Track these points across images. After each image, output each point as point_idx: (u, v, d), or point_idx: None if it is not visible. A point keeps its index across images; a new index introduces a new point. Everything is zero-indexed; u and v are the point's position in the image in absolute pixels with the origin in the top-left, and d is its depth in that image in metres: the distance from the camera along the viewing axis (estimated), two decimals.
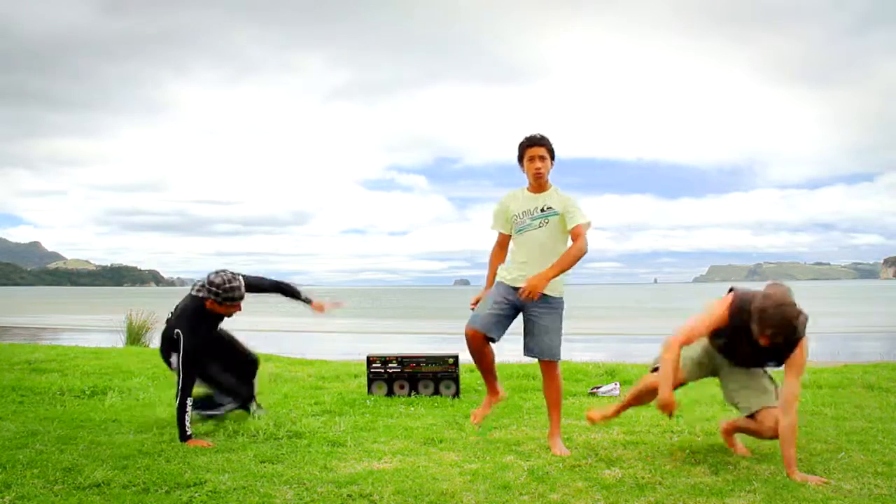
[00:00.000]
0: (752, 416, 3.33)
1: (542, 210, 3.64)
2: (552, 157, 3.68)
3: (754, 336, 3.09)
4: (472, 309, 3.69)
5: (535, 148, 3.63)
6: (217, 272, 3.96)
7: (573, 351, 11.22)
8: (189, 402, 3.76)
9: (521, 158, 3.68)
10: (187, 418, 3.72)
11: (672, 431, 3.97)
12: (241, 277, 4.00)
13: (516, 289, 3.56)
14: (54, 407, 4.72)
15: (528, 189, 3.74)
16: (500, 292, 3.62)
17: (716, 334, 3.34)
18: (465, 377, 5.64)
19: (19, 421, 4.20)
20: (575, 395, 5.34)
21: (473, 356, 3.65)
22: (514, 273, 3.64)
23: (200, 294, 3.94)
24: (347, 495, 2.82)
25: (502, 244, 3.87)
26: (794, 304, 3.03)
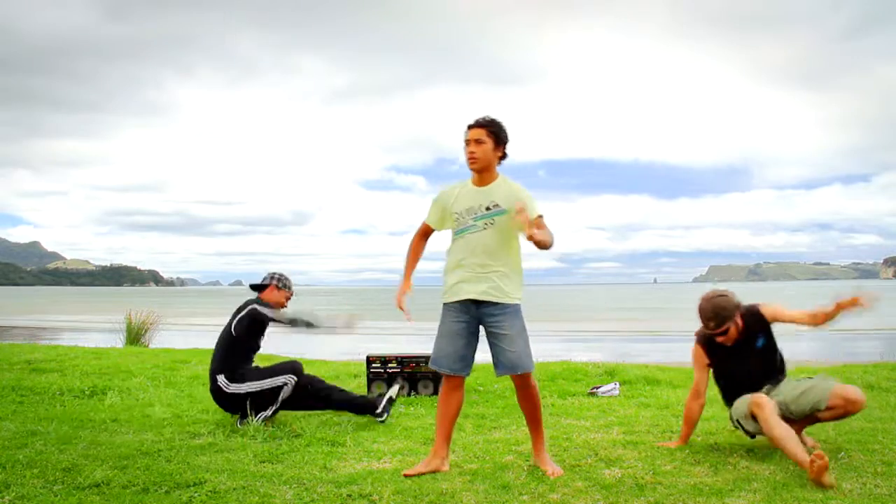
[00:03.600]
0: (830, 408, 3.37)
1: (488, 209, 3.15)
2: (498, 143, 3.18)
3: (715, 340, 3.55)
4: (400, 308, 3.27)
5: (471, 130, 3.16)
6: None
7: (573, 351, 11.22)
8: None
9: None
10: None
11: (672, 431, 3.97)
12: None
13: (463, 303, 3.15)
14: (54, 407, 4.72)
15: (471, 181, 3.25)
16: (449, 319, 3.20)
17: (716, 378, 3.69)
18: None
19: (19, 421, 4.20)
20: (574, 395, 5.34)
21: (439, 402, 3.28)
22: (455, 286, 3.18)
23: (264, 282, 4.51)
24: (347, 495, 2.82)
25: (425, 234, 3.40)
26: (723, 294, 3.52)
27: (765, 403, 3.32)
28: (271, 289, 4.50)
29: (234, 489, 2.89)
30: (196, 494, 2.83)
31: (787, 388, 3.53)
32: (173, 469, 3.15)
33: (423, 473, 3.11)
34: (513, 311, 3.16)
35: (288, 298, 4.58)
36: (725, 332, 3.51)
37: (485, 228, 3.15)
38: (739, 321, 3.53)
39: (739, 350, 3.58)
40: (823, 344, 14.41)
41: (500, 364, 3.15)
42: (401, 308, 3.29)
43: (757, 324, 3.58)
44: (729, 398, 3.67)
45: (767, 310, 3.59)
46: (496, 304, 3.13)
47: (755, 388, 3.54)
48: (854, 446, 3.55)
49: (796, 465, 3.19)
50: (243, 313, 4.28)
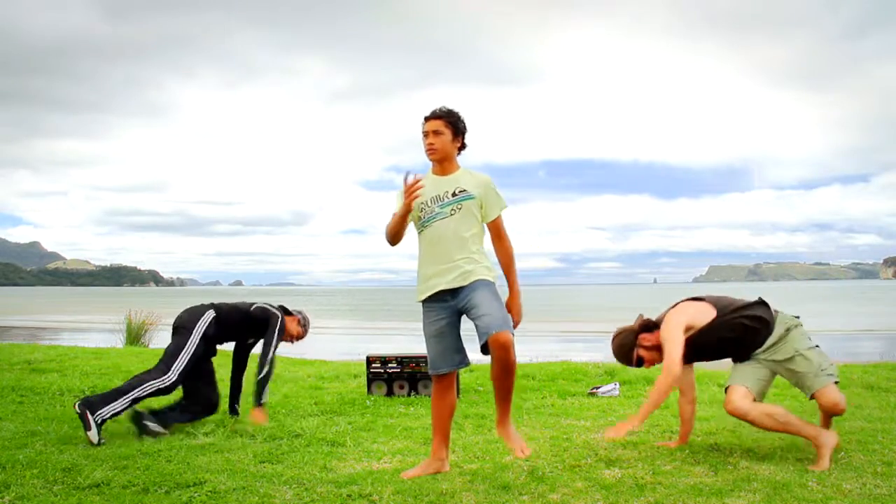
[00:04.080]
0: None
1: (454, 194, 3.08)
2: (457, 134, 3.15)
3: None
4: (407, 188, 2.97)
5: (428, 122, 3.14)
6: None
7: (573, 351, 11.22)
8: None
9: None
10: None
11: (672, 431, 3.97)
12: None
13: (438, 296, 3.07)
14: (54, 407, 4.72)
15: (432, 172, 3.20)
16: (430, 319, 3.12)
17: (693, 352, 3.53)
18: (464, 377, 5.64)
19: (19, 421, 4.20)
20: (574, 395, 5.34)
21: (433, 403, 3.24)
22: (426, 281, 3.10)
23: (292, 314, 4.50)
24: (347, 495, 2.82)
25: (401, 215, 3.11)
26: (617, 335, 3.67)
27: (735, 406, 3.32)
28: (296, 320, 4.48)
29: (234, 489, 2.88)
30: (196, 494, 2.83)
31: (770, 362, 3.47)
32: (173, 469, 3.15)
33: (422, 475, 3.09)
34: (483, 284, 3.02)
35: (299, 338, 4.54)
36: (642, 363, 3.56)
37: (452, 214, 3.07)
38: (650, 336, 3.54)
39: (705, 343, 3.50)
40: (824, 344, 14.39)
41: (478, 332, 2.94)
42: (407, 184, 2.98)
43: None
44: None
45: (663, 328, 3.52)
46: (466, 286, 3.04)
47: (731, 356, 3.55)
48: (854, 446, 3.55)
49: (796, 465, 3.19)
50: (276, 327, 4.30)
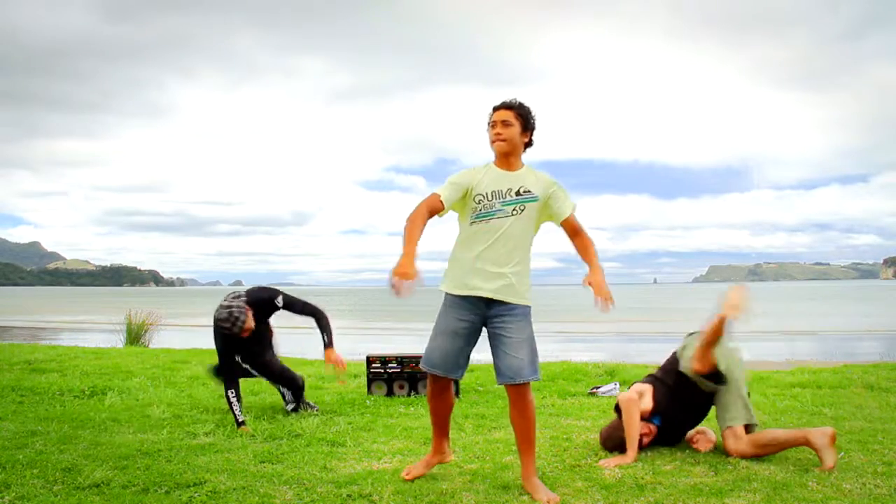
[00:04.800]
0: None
1: (519, 193, 2.87)
2: (525, 128, 2.92)
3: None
4: (393, 284, 2.54)
5: (498, 112, 2.91)
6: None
7: (573, 351, 11.23)
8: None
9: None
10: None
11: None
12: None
13: (474, 299, 2.86)
14: (54, 407, 4.72)
15: (495, 165, 2.96)
16: (452, 316, 2.90)
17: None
18: (464, 377, 5.64)
19: (19, 421, 4.20)
20: (574, 395, 5.34)
21: (430, 402, 3.08)
22: (468, 278, 2.86)
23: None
24: (347, 495, 2.82)
25: (432, 209, 2.82)
26: (608, 430, 3.58)
27: (734, 452, 3.38)
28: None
29: (234, 489, 2.89)
30: (196, 494, 2.83)
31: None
32: (173, 469, 3.15)
33: (423, 475, 3.04)
34: (523, 313, 2.87)
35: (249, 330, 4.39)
36: (640, 443, 3.51)
37: (512, 215, 2.84)
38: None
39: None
40: (823, 344, 14.41)
41: (501, 371, 2.85)
42: (398, 289, 2.55)
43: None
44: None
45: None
46: (507, 303, 2.84)
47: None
48: (854, 446, 3.55)
49: (796, 465, 3.20)
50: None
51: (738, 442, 3.38)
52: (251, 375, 4.54)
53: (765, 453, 3.35)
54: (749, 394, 3.58)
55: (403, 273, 2.56)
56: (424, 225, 2.79)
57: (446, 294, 2.94)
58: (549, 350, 11.27)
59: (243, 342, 4.30)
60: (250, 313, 4.21)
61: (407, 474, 3.04)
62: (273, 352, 4.63)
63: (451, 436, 3.85)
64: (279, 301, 4.37)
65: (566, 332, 19.67)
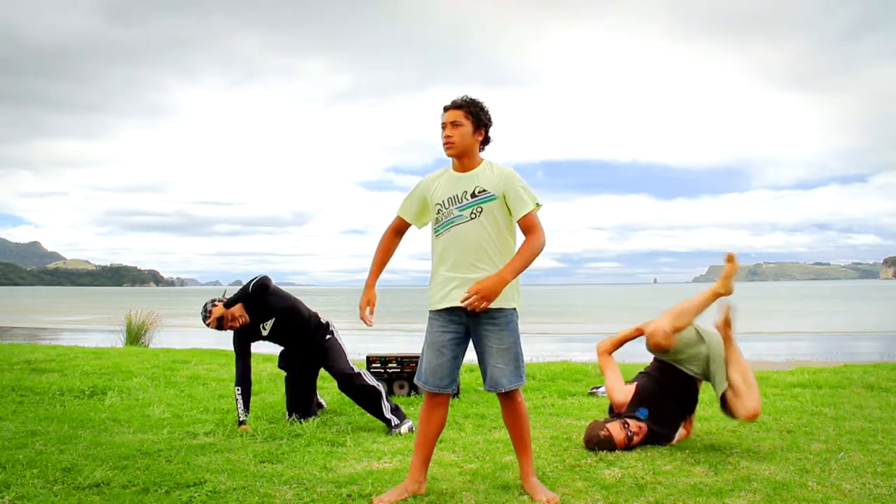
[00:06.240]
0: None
1: (473, 195, 2.75)
2: (478, 126, 2.79)
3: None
4: (361, 318, 2.87)
5: (447, 112, 2.79)
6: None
7: (573, 351, 11.22)
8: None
9: None
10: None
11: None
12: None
13: (453, 310, 2.77)
14: (54, 407, 4.72)
15: (452, 168, 2.85)
16: (436, 329, 2.82)
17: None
18: (464, 377, 5.65)
19: (19, 421, 4.20)
20: (574, 395, 5.34)
21: (420, 418, 2.90)
22: (442, 290, 2.78)
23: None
24: (347, 495, 2.82)
25: (398, 230, 2.97)
26: (589, 438, 3.59)
27: (751, 414, 3.50)
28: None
29: (234, 489, 2.89)
30: (196, 494, 2.83)
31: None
32: (173, 469, 3.15)
33: (396, 502, 2.75)
34: (506, 319, 2.76)
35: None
36: (629, 442, 3.55)
37: (472, 218, 2.73)
38: (618, 427, 3.58)
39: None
40: (823, 344, 14.41)
41: (485, 379, 2.83)
42: (364, 320, 2.87)
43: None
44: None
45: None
46: (489, 309, 2.71)
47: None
48: (854, 446, 3.55)
49: (796, 465, 3.20)
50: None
51: (730, 391, 3.54)
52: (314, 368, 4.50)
53: (682, 324, 3.62)
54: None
55: (361, 306, 2.90)
56: (391, 247, 3.01)
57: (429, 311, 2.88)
58: (549, 350, 11.26)
59: (275, 337, 4.35)
60: (238, 308, 4.10)
61: (379, 501, 2.73)
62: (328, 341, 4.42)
63: (450, 436, 3.86)
64: (257, 281, 4.16)
65: (566, 332, 19.67)
